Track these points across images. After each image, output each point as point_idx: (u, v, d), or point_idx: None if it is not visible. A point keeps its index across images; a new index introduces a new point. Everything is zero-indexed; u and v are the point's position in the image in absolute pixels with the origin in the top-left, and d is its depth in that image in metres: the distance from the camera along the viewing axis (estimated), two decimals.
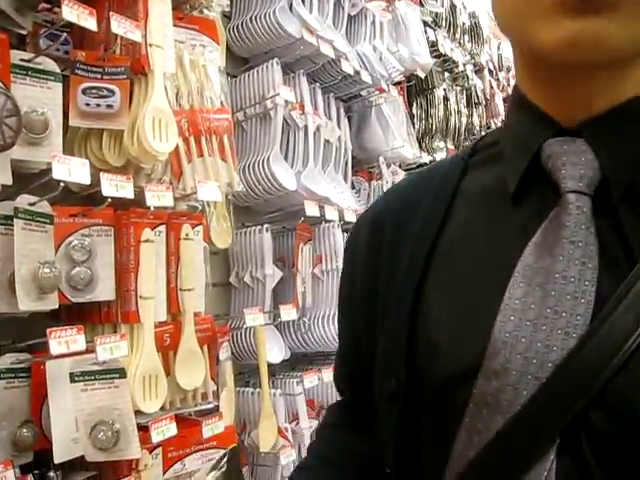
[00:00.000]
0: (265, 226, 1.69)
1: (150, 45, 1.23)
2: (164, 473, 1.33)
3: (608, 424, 0.46)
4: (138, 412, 1.25)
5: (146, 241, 1.27)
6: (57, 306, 1.14)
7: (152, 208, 1.29)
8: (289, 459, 1.66)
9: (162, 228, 1.32)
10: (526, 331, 0.49)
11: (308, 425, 1.78)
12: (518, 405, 0.48)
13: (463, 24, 3.32)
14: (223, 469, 0.73)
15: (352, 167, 2.15)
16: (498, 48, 4.25)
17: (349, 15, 2.13)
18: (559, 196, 0.51)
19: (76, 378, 1.15)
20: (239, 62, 1.91)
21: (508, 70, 4.42)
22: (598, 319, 0.47)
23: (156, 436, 1.25)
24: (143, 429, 1.25)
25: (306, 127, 1.82)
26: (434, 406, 0.55)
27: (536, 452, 0.47)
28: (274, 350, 1.73)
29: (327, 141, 1.93)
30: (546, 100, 0.54)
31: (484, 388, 0.50)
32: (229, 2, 1.71)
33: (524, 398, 0.48)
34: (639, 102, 0.51)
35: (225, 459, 0.73)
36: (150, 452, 1.29)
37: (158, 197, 1.26)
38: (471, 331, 0.52)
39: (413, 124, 2.62)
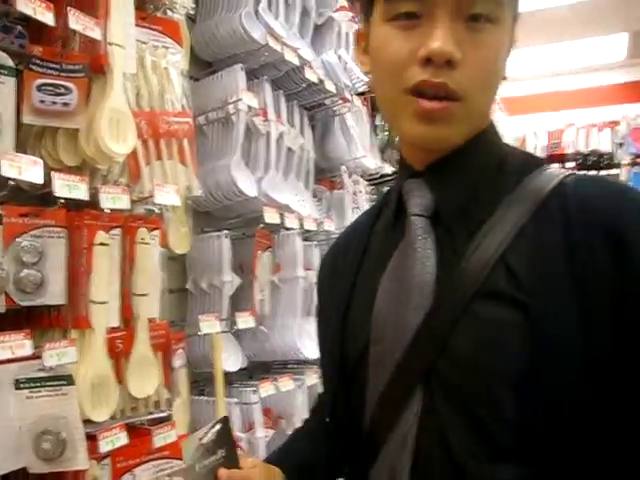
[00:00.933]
0: (224, 232, 1.66)
1: (110, 44, 1.20)
2: None
3: (449, 369, 0.68)
4: (87, 421, 1.21)
5: (100, 244, 1.23)
6: (4, 310, 1.10)
7: (107, 210, 1.25)
8: None
9: (117, 231, 1.29)
10: (391, 311, 0.73)
11: (264, 434, 1.76)
12: (394, 361, 0.71)
13: None
14: (216, 430, 0.82)
15: (314, 176, 2.15)
16: None
17: (315, 24, 2.13)
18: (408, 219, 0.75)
19: (21, 385, 1.11)
20: (203, 65, 1.89)
21: None
22: (436, 299, 0.69)
23: (105, 445, 1.21)
24: (92, 438, 1.21)
25: (269, 134, 1.80)
26: (355, 370, 0.78)
27: (407, 393, 0.70)
28: (231, 358, 1.70)
29: (290, 149, 1.92)
30: (407, 153, 0.80)
31: (374, 353, 0.74)
32: (194, 4, 1.69)
33: (397, 357, 0.71)
34: (463, 150, 0.74)
35: (217, 424, 0.83)
36: (98, 462, 1.25)
37: (113, 199, 1.23)
38: (365, 315, 0.76)
39: (376, 135, 2.63)
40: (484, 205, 0.72)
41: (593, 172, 6.27)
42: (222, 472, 0.81)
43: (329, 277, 0.92)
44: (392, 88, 0.71)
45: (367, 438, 0.75)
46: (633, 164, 6.08)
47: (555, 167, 0.76)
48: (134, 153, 1.33)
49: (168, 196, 1.36)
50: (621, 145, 6.21)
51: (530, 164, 0.75)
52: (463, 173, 0.75)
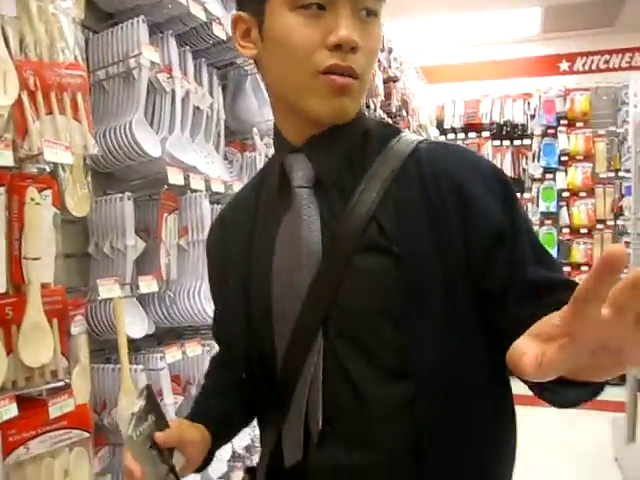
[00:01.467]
0: (127, 194, 1.59)
1: None
2: (4, 459, 1.22)
3: (341, 315, 0.81)
4: None
5: None
6: None
7: None
8: None
9: (1, 190, 1.20)
10: (286, 271, 0.85)
11: (173, 401, 1.72)
12: (295, 315, 0.83)
13: None
14: (143, 398, 0.88)
15: (225, 137, 2.09)
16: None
17: None
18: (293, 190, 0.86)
19: None
20: (103, 17, 1.78)
21: (390, 51, 4.52)
22: (323, 258, 0.81)
23: None
24: None
25: (174, 91, 1.73)
26: (261, 325, 0.88)
27: (310, 339, 0.82)
28: (136, 324, 1.64)
29: (197, 108, 1.85)
30: (287, 131, 0.89)
31: (277, 310, 0.86)
32: None
33: (297, 310, 0.83)
34: (331, 129, 0.85)
35: (142, 395, 0.89)
36: None
37: None
38: (265, 277, 0.87)
39: None
40: (356, 170, 0.85)
41: (507, 141, 6.49)
42: (158, 435, 0.87)
43: (220, 248, 1.00)
44: (300, 70, 0.80)
45: (280, 383, 0.87)
46: (544, 135, 6.34)
47: (408, 133, 0.90)
48: (20, 106, 1.23)
49: (59, 154, 1.28)
50: (533, 117, 6.45)
51: (389, 131, 0.89)
52: (337, 144, 0.86)
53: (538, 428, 4.28)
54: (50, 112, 1.31)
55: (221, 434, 1.00)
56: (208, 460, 0.98)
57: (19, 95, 1.19)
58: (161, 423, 0.89)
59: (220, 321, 1.07)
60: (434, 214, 0.80)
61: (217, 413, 1.01)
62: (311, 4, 0.78)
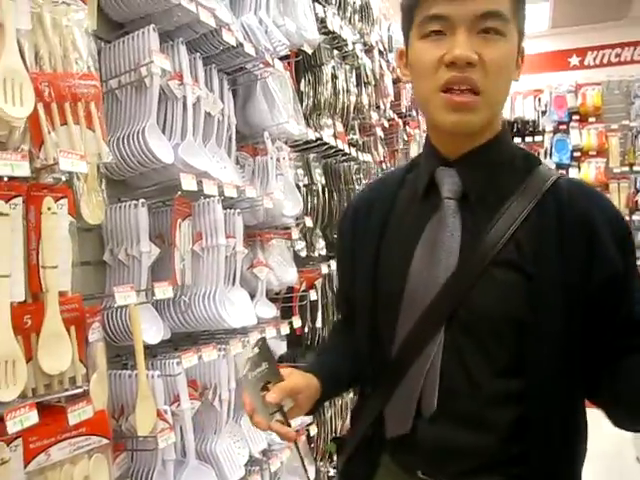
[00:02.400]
0: (140, 201, 1.60)
1: None
2: (26, 466, 1.24)
3: (468, 315, 0.93)
4: None
5: None
6: None
7: (6, 179, 1.18)
8: (168, 442, 1.61)
9: (18, 200, 1.21)
10: (425, 269, 0.97)
11: (190, 406, 1.73)
12: (424, 305, 0.95)
13: (354, 3, 3.33)
14: (258, 348, 1.00)
15: (237, 142, 2.10)
16: (388, 29, 4.31)
17: None
18: (441, 200, 0.99)
19: None
20: (114, 27, 1.80)
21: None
22: (460, 263, 0.94)
23: (13, 426, 1.15)
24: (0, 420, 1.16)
25: (185, 98, 1.74)
26: (386, 310, 1.02)
27: (434, 329, 0.95)
28: (152, 330, 1.65)
29: (208, 114, 1.86)
30: (439, 145, 1.02)
31: (407, 299, 0.98)
32: None
33: (427, 302, 0.95)
34: (486, 147, 0.98)
35: (257, 345, 1.00)
36: (8, 444, 1.19)
37: (12, 166, 1.15)
38: (401, 270, 0.99)
39: (301, 101, 2.60)
40: (500, 193, 0.96)
41: (518, 139, 6.46)
42: (269, 394, 0.97)
43: (351, 235, 1.14)
44: (427, 87, 0.94)
45: (398, 361, 0.99)
46: (556, 131, 6.30)
47: (546, 166, 1.02)
48: (35, 118, 1.24)
49: (75, 163, 1.29)
50: (544, 113, 6.41)
51: (533, 162, 1.02)
52: (485, 166, 0.98)
53: None
54: (65, 122, 1.32)
55: (330, 389, 1.10)
56: (316, 407, 1.08)
57: (35, 106, 1.20)
58: (273, 371, 1.00)
59: (345, 298, 1.22)
60: (566, 247, 0.92)
61: (331, 370, 1.13)
62: (432, 32, 0.92)
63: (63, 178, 1.35)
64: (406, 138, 4.54)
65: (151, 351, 1.75)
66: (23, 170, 1.17)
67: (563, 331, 0.91)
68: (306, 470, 1.06)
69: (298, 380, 1.02)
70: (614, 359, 0.94)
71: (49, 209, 1.28)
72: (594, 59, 6.46)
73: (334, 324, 1.32)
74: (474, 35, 0.90)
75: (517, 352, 0.93)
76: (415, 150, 4.82)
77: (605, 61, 6.43)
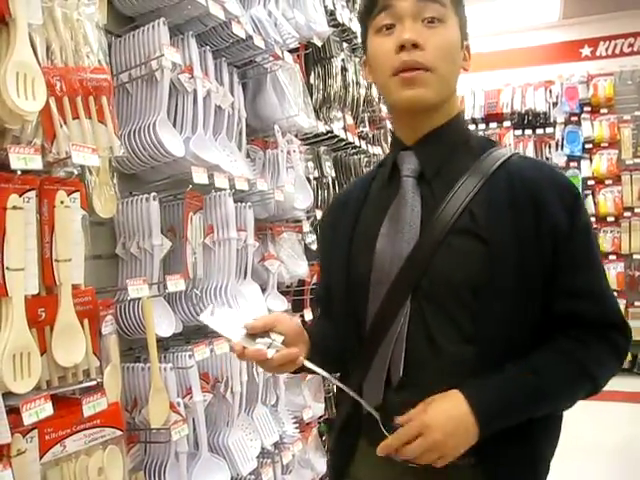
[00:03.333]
0: (152, 194, 1.61)
1: None
2: (41, 457, 1.25)
3: (430, 283, 1.00)
4: (8, 393, 1.16)
5: (13, 208, 1.17)
6: None
7: (19, 172, 1.18)
8: (181, 434, 1.62)
9: (31, 194, 1.22)
10: (389, 245, 1.05)
11: (202, 398, 1.74)
12: (390, 280, 1.02)
13: None
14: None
15: (247, 135, 2.10)
16: None
17: None
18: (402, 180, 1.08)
19: None
20: (124, 21, 1.80)
21: None
22: (422, 235, 1.02)
23: (29, 418, 1.16)
24: (15, 411, 1.16)
25: (195, 91, 1.74)
26: (358, 289, 1.08)
27: (401, 301, 1.01)
28: (164, 323, 1.66)
29: (219, 107, 1.86)
30: (400, 132, 1.13)
31: (375, 276, 1.05)
32: None
33: (393, 277, 1.02)
34: (440, 130, 1.08)
35: None
36: (24, 435, 1.21)
37: (25, 160, 1.15)
38: (369, 249, 1.07)
39: (311, 94, 2.59)
40: (454, 170, 1.05)
41: (529, 131, 6.41)
42: (247, 323, 1.03)
43: (331, 229, 1.22)
44: (384, 74, 1.04)
45: (370, 335, 1.05)
46: (567, 122, 6.25)
47: (503, 148, 1.11)
48: (48, 111, 1.25)
49: (87, 157, 1.30)
50: (555, 104, 6.36)
51: (489, 144, 1.11)
52: (440, 147, 1.07)
53: (566, 422, 4.24)
54: (77, 116, 1.33)
55: (319, 349, 1.12)
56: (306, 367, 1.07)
57: (47, 101, 1.21)
58: None
59: (324, 288, 1.28)
60: (516, 212, 0.99)
61: (319, 334, 1.16)
62: (384, 26, 1.04)
63: (75, 172, 1.36)
64: None
65: (163, 344, 1.77)
66: (36, 164, 1.18)
67: (517, 292, 0.97)
68: (325, 377, 1.06)
69: (282, 316, 1.09)
70: (549, 334, 1.02)
71: (62, 203, 1.29)
72: (606, 49, 6.39)
73: (313, 318, 1.38)
74: (419, 24, 1.01)
75: (477, 316, 0.98)
76: None
77: (617, 51, 6.35)
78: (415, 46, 0.99)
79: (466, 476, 1.00)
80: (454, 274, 0.98)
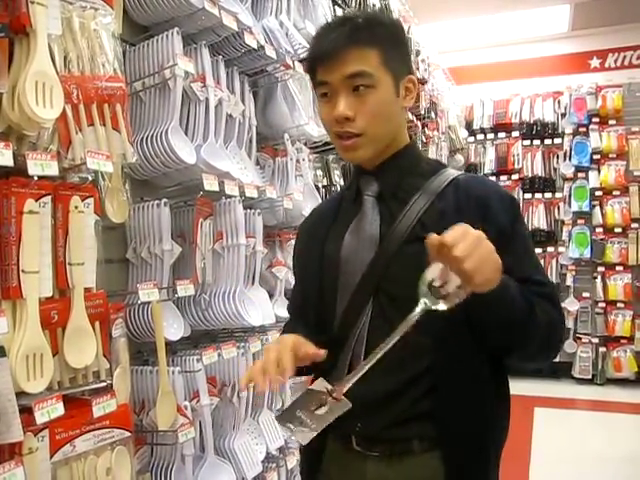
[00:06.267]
0: (163, 200, 1.64)
1: (32, 2, 1.15)
2: (52, 456, 1.27)
3: (390, 286, 1.15)
4: (22, 393, 1.19)
5: (29, 212, 1.20)
6: None
7: (35, 178, 1.22)
8: (188, 437, 1.64)
9: (47, 199, 1.25)
10: (352, 253, 1.20)
11: (209, 402, 1.77)
12: (354, 284, 1.17)
13: (373, 5, 3.35)
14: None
15: (257, 143, 2.13)
16: (408, 32, 4.32)
17: None
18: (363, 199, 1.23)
19: None
20: (139, 30, 1.84)
21: (417, 54, 4.52)
22: (380, 245, 1.16)
23: (41, 417, 1.19)
24: (28, 411, 1.19)
25: (207, 100, 1.77)
26: (328, 294, 1.22)
27: (364, 303, 1.16)
28: (173, 327, 1.69)
29: (230, 115, 1.89)
30: (362, 162, 1.25)
31: (342, 281, 1.20)
32: None
33: (356, 281, 1.17)
34: (393, 157, 1.23)
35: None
36: (35, 434, 1.23)
37: (42, 166, 1.19)
38: (335, 257, 1.22)
39: None
40: (408, 190, 1.20)
41: (538, 141, 6.42)
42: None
43: (307, 234, 1.37)
44: (329, 135, 1.21)
45: (337, 333, 1.19)
46: (575, 133, 6.25)
47: (451, 170, 1.24)
48: (64, 119, 1.29)
49: (101, 163, 1.33)
50: (563, 115, 6.36)
51: (438, 166, 1.27)
52: (395, 171, 1.23)
53: (573, 432, 4.24)
54: (92, 123, 1.36)
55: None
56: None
57: (63, 108, 1.24)
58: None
59: (298, 295, 1.39)
60: (463, 216, 1.07)
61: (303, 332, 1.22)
62: (322, 94, 1.18)
63: (89, 177, 1.39)
64: (424, 140, 4.55)
65: (171, 348, 1.79)
66: (52, 170, 1.21)
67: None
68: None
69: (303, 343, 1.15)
70: None
71: (76, 208, 1.32)
72: (615, 61, 6.39)
73: (287, 322, 1.44)
74: (350, 94, 1.14)
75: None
76: (433, 151, 4.82)
77: (626, 63, 6.35)
78: (347, 118, 1.13)
79: (424, 460, 1.14)
80: (409, 275, 1.05)
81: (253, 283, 1.97)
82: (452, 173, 1.23)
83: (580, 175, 6.14)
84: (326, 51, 1.15)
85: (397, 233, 1.15)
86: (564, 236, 6.07)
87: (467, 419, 1.14)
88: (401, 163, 1.23)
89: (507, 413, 1.22)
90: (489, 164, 6.47)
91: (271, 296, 2.14)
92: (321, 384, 1.06)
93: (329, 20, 2.45)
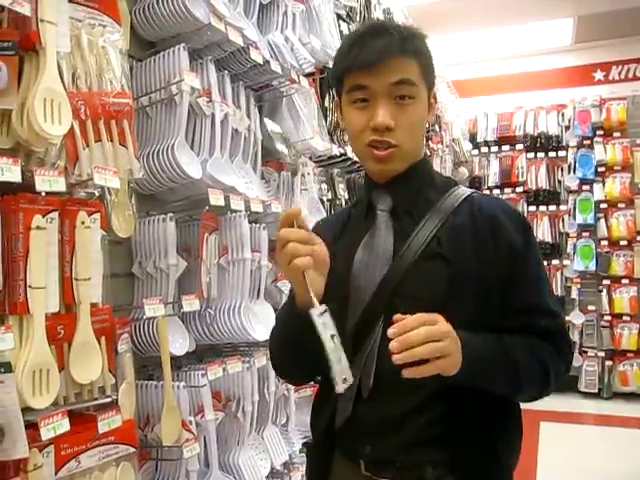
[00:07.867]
0: (169, 215, 1.64)
1: (42, 20, 1.16)
2: (57, 472, 1.27)
3: (401, 303, 1.10)
4: (27, 409, 1.19)
5: (36, 228, 1.20)
6: None
7: (43, 194, 1.22)
8: (193, 452, 1.64)
9: (54, 215, 1.25)
10: (364, 269, 1.17)
11: (214, 417, 1.76)
12: (366, 300, 1.14)
13: (377, 19, 3.37)
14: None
15: (262, 157, 2.14)
16: None
17: (261, 3, 2.11)
18: (376, 214, 1.21)
19: None
20: (145, 46, 1.85)
21: None
22: (393, 262, 1.14)
23: (46, 433, 1.19)
24: (33, 426, 1.19)
25: (213, 115, 1.78)
26: (337, 309, 1.07)
27: (375, 318, 1.13)
28: (178, 342, 1.69)
29: (235, 130, 1.90)
30: (374, 175, 1.22)
31: (354, 296, 1.16)
32: None
33: (368, 297, 1.14)
34: (408, 172, 1.19)
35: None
36: (41, 450, 1.23)
37: (50, 182, 1.19)
38: (345, 273, 1.17)
39: (325, 117, 2.63)
40: (422, 206, 1.19)
41: (542, 154, 6.42)
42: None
43: None
44: (358, 144, 1.17)
45: (347, 350, 1.08)
46: (579, 146, 6.25)
47: (464, 188, 1.24)
48: (72, 135, 1.29)
49: (108, 178, 1.34)
50: (568, 128, 6.37)
51: (450, 182, 1.26)
52: (409, 186, 1.20)
53: (579, 446, 4.20)
54: (99, 139, 1.37)
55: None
56: None
57: (71, 124, 1.25)
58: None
59: None
60: (478, 237, 1.13)
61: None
62: (357, 99, 1.14)
63: (96, 193, 1.40)
64: (429, 152, 4.56)
65: (176, 362, 1.79)
66: (60, 186, 1.21)
67: (478, 305, 1.10)
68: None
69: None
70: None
71: (83, 223, 1.32)
72: (619, 73, 6.40)
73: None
74: (392, 101, 1.11)
75: None
76: (437, 164, 4.83)
77: (630, 75, 6.36)
78: (388, 128, 1.10)
79: None
80: (422, 292, 1.10)
81: (258, 297, 1.97)
82: (465, 191, 1.22)
83: (585, 188, 6.13)
84: (374, 57, 1.09)
85: (412, 249, 1.13)
86: (569, 249, 6.06)
87: (481, 444, 1.10)
88: (415, 178, 1.21)
89: (520, 434, 1.19)
90: (493, 177, 6.48)
91: (276, 310, 2.14)
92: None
93: (334, 35, 2.47)
